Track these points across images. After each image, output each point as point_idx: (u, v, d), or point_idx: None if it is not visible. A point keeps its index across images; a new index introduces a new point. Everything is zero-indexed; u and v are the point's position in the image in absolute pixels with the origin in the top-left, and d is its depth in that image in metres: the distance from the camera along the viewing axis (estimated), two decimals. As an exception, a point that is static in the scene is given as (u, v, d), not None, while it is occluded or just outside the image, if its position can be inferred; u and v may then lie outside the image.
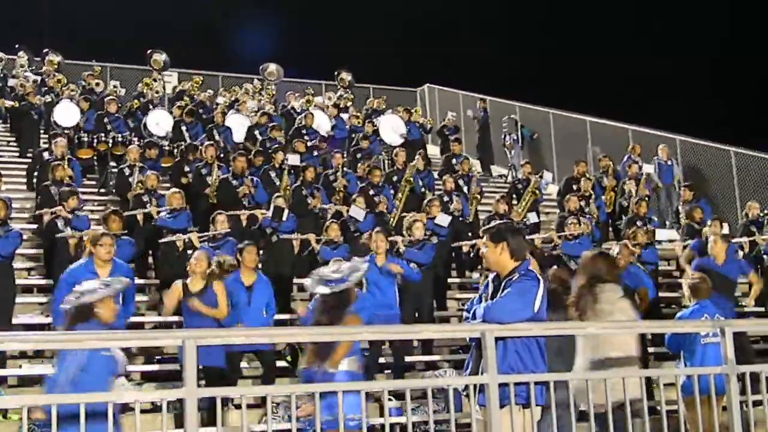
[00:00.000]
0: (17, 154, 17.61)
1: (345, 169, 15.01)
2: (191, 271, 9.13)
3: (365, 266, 6.97)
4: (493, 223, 6.02)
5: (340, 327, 6.32)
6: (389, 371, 10.57)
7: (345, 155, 15.96)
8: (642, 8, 34.93)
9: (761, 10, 31.19)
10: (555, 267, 7.66)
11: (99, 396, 4.81)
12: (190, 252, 11.00)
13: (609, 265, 6.78)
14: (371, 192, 13.83)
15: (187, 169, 14.48)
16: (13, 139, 18.53)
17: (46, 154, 14.30)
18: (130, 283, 7.47)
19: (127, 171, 13.90)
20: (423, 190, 15.36)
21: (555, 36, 34.04)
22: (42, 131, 17.75)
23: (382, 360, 10.48)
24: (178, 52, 21.79)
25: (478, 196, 15.17)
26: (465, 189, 15.02)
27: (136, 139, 15.99)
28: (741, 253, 13.60)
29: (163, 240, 11.49)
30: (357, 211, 12.54)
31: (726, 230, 12.65)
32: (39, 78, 19.55)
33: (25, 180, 15.18)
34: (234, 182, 13.33)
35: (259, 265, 10.19)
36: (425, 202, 13.28)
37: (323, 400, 5.03)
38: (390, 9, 33.33)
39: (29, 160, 16.04)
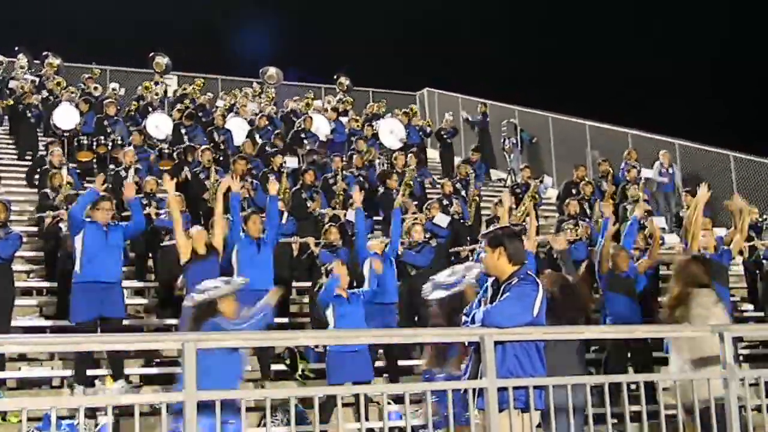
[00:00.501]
0: (16, 156, 17.62)
1: (344, 172, 15.01)
2: (196, 236, 9.66)
3: (480, 265, 6.98)
4: (490, 228, 6.03)
5: (342, 331, 6.31)
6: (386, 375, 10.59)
7: (344, 159, 15.99)
8: (642, 8, 35.00)
9: (761, 10, 31.24)
10: (549, 270, 7.61)
11: (97, 399, 4.81)
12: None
13: (703, 269, 6.74)
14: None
15: (186, 170, 14.48)
16: (12, 141, 18.53)
17: (48, 157, 14.31)
18: (248, 281, 7.65)
19: (123, 173, 13.89)
20: (421, 179, 15.44)
21: (555, 36, 34.08)
22: (41, 134, 17.78)
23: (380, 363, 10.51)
24: (178, 52, 21.82)
25: (477, 198, 15.16)
26: (463, 192, 15.05)
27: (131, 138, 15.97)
28: (741, 258, 13.63)
29: (164, 243, 11.48)
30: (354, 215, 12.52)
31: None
32: (37, 79, 19.57)
33: (24, 182, 15.20)
34: (234, 185, 13.32)
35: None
36: (425, 205, 13.30)
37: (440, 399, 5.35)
38: (390, 10, 33.37)
39: (28, 162, 16.09)
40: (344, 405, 5.47)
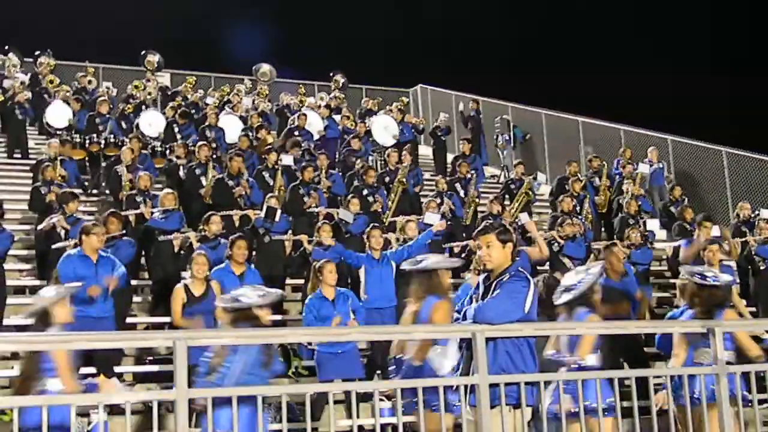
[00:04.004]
0: (5, 154, 17.56)
1: (330, 170, 14.93)
2: (196, 272, 9.22)
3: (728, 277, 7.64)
4: (495, 223, 5.99)
5: (335, 329, 6.27)
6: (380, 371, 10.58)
7: (330, 156, 15.93)
8: (642, 8, 35.01)
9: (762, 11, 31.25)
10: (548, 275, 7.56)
11: (89, 398, 4.80)
12: (183, 253, 10.99)
13: None
14: (365, 192, 13.84)
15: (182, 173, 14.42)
16: (2, 139, 18.46)
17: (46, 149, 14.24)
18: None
19: (120, 170, 13.82)
20: (416, 189, 15.40)
21: (554, 36, 34.07)
22: (34, 131, 17.72)
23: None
24: (175, 52, 21.79)
25: (477, 200, 15.07)
26: (462, 192, 14.99)
27: (128, 140, 15.91)
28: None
29: (161, 239, 11.45)
30: (346, 213, 12.51)
31: (716, 232, 12.65)
32: (27, 79, 19.50)
33: (16, 180, 15.20)
34: (230, 182, 13.28)
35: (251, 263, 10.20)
36: (423, 203, 13.27)
37: None
38: (386, 9, 33.33)
39: (16, 160, 16.09)
40: (336, 402, 5.48)
